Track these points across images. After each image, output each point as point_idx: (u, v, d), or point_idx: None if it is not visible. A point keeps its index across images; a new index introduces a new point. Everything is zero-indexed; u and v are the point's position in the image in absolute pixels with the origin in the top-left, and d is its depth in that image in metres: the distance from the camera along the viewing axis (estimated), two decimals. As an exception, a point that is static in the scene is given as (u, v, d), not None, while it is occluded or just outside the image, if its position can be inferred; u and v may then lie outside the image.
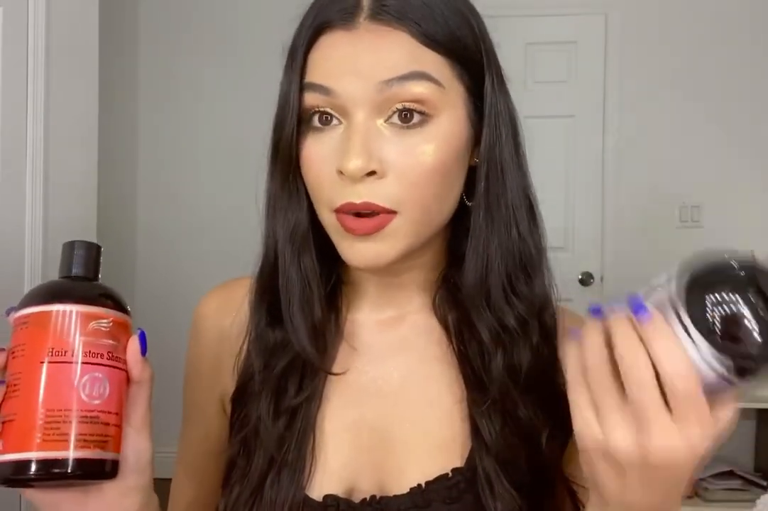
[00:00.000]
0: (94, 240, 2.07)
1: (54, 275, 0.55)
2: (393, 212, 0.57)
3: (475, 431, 0.61)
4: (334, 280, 0.66)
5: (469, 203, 0.63)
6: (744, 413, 2.52)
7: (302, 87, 0.59)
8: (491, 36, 0.63)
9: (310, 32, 0.59)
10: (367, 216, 0.57)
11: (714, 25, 3.13)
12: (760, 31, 3.12)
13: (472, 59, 0.60)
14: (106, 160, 2.27)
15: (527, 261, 0.63)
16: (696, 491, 2.60)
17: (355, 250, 0.59)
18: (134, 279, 3.34)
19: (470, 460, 0.61)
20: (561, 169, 3.20)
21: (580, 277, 3.20)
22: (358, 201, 0.57)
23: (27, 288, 1.65)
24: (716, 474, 2.60)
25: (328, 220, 0.60)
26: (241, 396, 0.66)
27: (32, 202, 1.71)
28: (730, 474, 2.63)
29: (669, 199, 3.15)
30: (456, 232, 0.66)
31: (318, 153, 0.59)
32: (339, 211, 0.58)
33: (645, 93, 3.17)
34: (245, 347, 0.66)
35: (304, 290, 0.63)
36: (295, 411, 0.63)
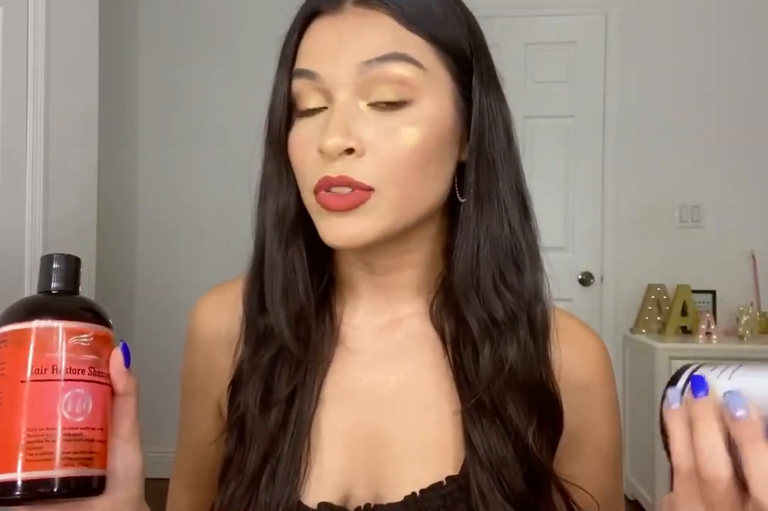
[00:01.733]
0: (94, 240, 2.06)
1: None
2: (369, 189, 0.57)
3: (468, 444, 0.60)
4: (327, 279, 0.66)
5: (461, 200, 0.63)
6: None
7: (292, 75, 0.60)
8: (487, 35, 0.64)
9: (300, 21, 0.61)
10: (344, 195, 0.57)
11: (714, 25, 3.14)
12: (759, 30, 3.12)
13: (459, 49, 0.61)
14: (106, 160, 2.27)
15: (517, 256, 0.63)
16: None
17: (332, 227, 0.58)
18: (134, 279, 3.34)
19: (465, 467, 0.60)
20: (561, 169, 3.20)
21: (580, 277, 3.19)
22: (334, 175, 0.57)
23: (27, 288, 1.65)
24: None
25: (309, 201, 0.60)
26: (236, 389, 0.65)
27: (32, 202, 1.71)
28: None
29: (669, 199, 3.15)
30: (452, 233, 0.65)
31: (303, 136, 0.60)
32: (318, 188, 0.58)
33: (645, 93, 3.17)
34: (241, 344, 0.66)
35: (288, 274, 0.62)
36: (288, 409, 0.62)
